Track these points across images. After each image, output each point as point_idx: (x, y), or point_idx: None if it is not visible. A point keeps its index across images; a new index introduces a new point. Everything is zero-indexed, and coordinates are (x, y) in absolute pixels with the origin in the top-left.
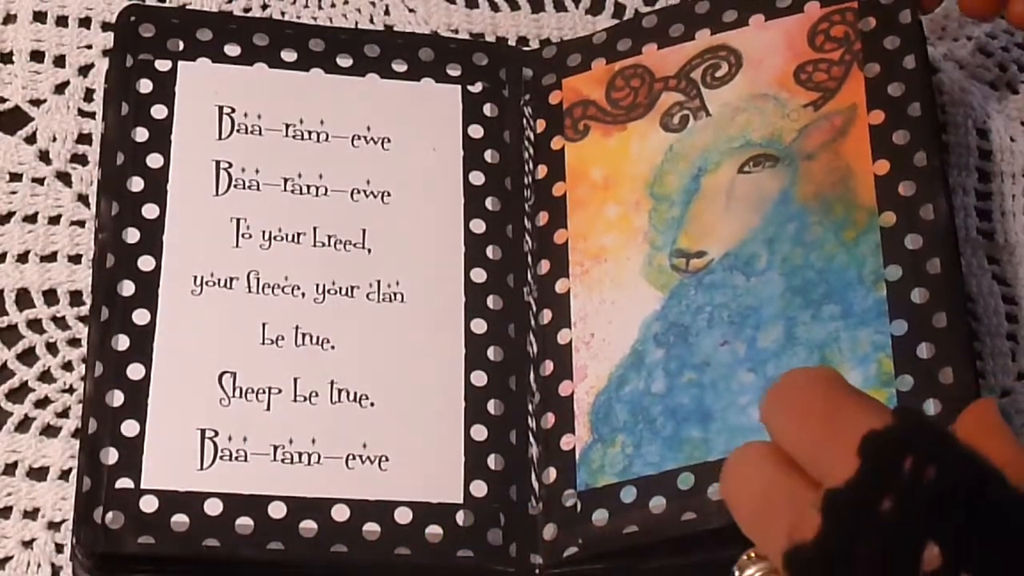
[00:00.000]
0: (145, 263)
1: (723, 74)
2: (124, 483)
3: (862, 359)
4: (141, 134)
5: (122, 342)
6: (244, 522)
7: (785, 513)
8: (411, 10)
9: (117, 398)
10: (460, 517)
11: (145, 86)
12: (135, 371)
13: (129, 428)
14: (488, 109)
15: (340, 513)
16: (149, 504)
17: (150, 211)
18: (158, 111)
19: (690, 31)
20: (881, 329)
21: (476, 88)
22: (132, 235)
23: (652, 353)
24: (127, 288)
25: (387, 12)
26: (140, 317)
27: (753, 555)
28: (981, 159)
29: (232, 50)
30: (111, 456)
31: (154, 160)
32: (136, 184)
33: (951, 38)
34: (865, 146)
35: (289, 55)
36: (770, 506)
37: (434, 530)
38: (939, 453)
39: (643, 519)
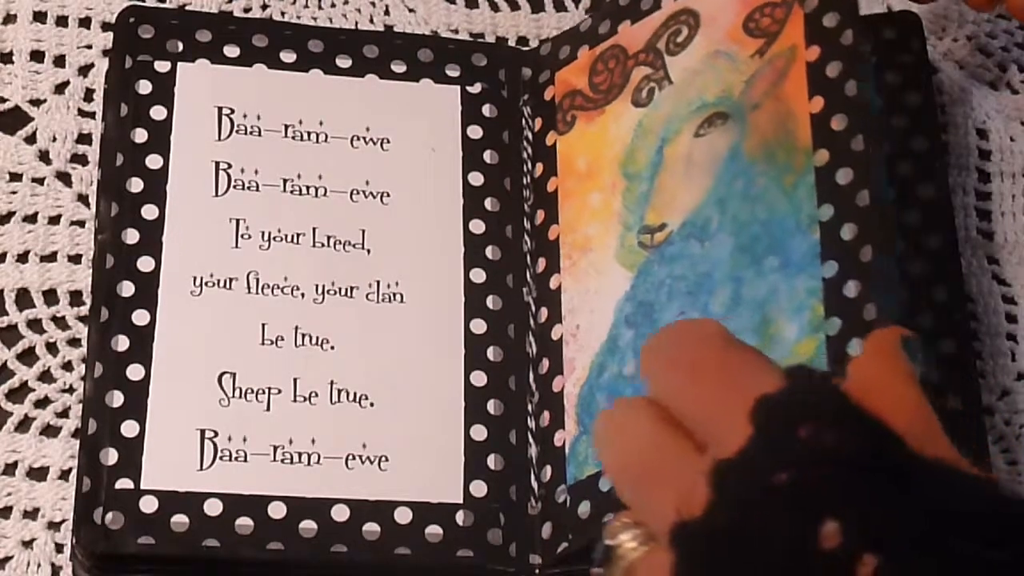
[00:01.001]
0: (145, 264)
1: (683, 39)
2: (124, 483)
3: (798, 308)
4: (140, 135)
5: (122, 343)
6: (244, 522)
7: (671, 482)
8: (411, 10)
9: (117, 398)
10: (460, 517)
11: (144, 87)
12: (135, 372)
13: (129, 428)
14: (487, 110)
15: (340, 513)
16: (149, 504)
17: (150, 212)
18: (157, 112)
19: (658, 1)
20: (815, 274)
21: (475, 89)
22: (132, 236)
23: (624, 335)
24: (127, 289)
25: (387, 12)
26: (140, 318)
27: (626, 520)
28: (981, 159)
29: (231, 51)
30: (111, 456)
31: (153, 161)
32: (136, 185)
33: (951, 38)
34: (803, 85)
35: (288, 56)
36: (653, 471)
37: (434, 530)
38: (837, 419)
39: (620, 506)
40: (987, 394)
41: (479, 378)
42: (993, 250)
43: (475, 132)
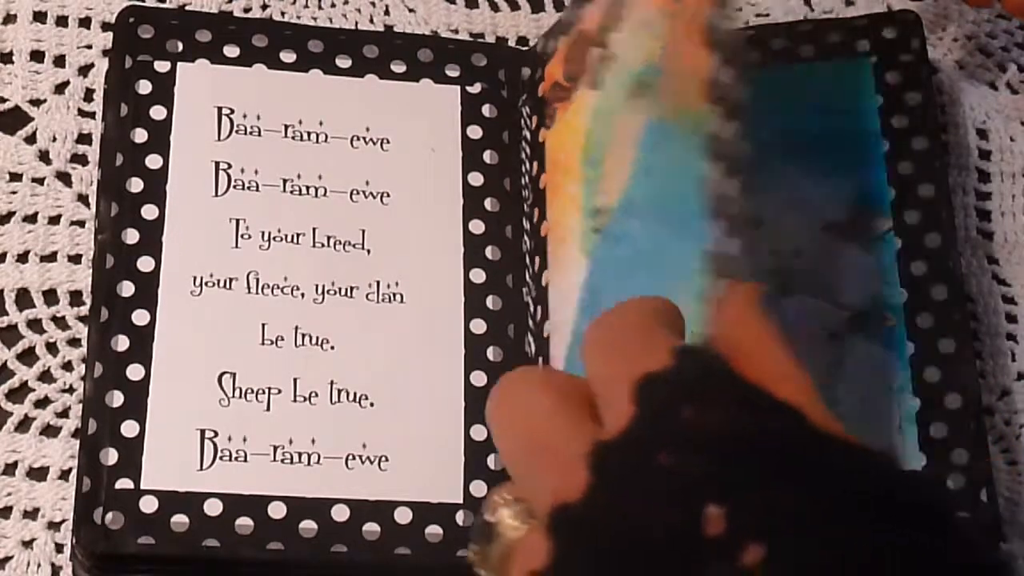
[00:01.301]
0: (145, 264)
1: (623, 12)
2: (124, 483)
3: (694, 274)
4: (140, 135)
5: (122, 343)
6: (244, 522)
7: (556, 460)
8: (411, 10)
9: (117, 398)
10: (460, 517)
11: (144, 87)
12: (135, 371)
13: (129, 428)
14: (487, 110)
15: (340, 513)
16: (149, 504)
17: (149, 212)
18: (157, 112)
19: None
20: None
21: (475, 89)
22: (131, 236)
23: (582, 325)
24: (127, 289)
25: (387, 12)
26: (140, 318)
27: (508, 496)
28: (981, 159)
29: (231, 51)
30: (111, 456)
31: (153, 161)
32: (135, 185)
33: (951, 38)
34: (702, 43)
35: (288, 56)
36: (540, 448)
37: (434, 530)
38: (723, 399)
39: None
40: (987, 394)
41: (479, 378)
42: (993, 250)
43: (475, 132)
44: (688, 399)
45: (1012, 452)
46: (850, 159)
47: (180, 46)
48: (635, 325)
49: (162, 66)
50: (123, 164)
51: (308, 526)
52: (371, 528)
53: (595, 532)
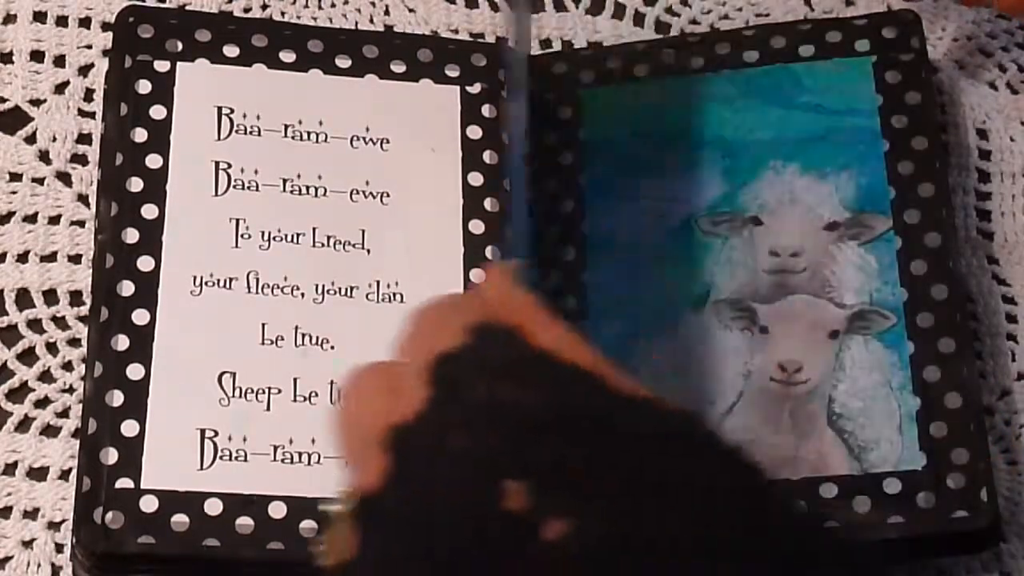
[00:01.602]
0: (144, 263)
1: None
2: (124, 483)
3: None
4: (140, 135)
5: (122, 342)
6: (244, 522)
7: (355, 450)
8: (411, 10)
9: (117, 398)
10: None
11: (144, 87)
12: (135, 371)
13: (129, 428)
14: (487, 110)
15: None
16: (149, 504)
17: (149, 211)
18: (157, 112)
19: None
20: None
21: (475, 89)
22: (131, 235)
23: None
24: (127, 288)
25: (387, 12)
26: (140, 317)
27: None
28: (981, 159)
29: (231, 51)
30: (111, 456)
31: (153, 160)
32: (135, 184)
33: (951, 38)
34: None
35: (288, 56)
36: (345, 440)
37: None
38: (519, 371)
39: None
40: (987, 394)
41: None
42: (993, 250)
43: (475, 132)
44: (483, 374)
45: (1012, 452)
46: (850, 158)
47: (180, 46)
48: (432, 313)
49: (162, 66)
50: (123, 163)
51: (308, 526)
52: None
53: (395, 519)
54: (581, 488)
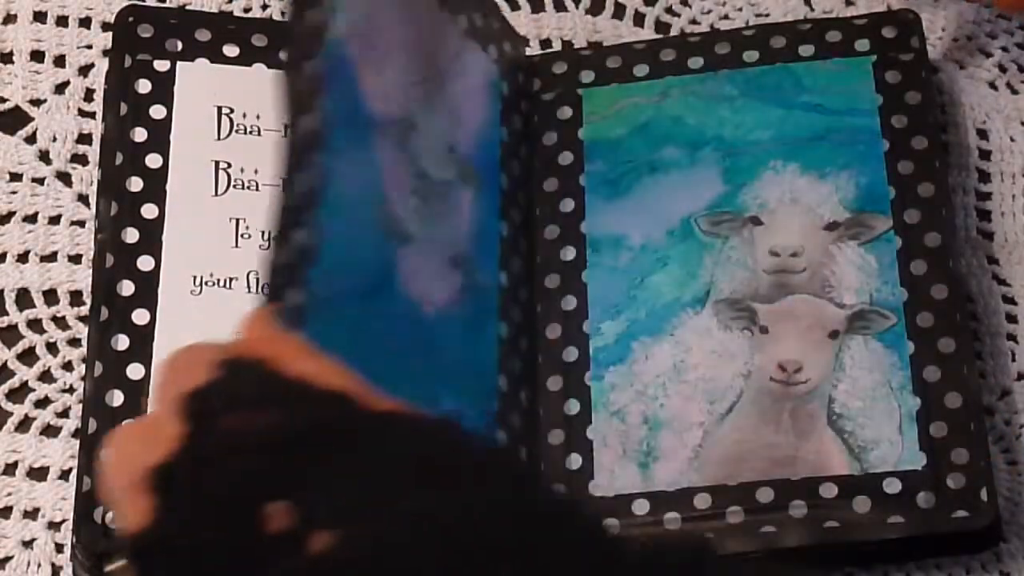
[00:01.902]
0: (144, 263)
1: None
2: None
3: None
4: (140, 134)
5: (122, 342)
6: None
7: (121, 494)
8: None
9: (117, 398)
10: None
11: (144, 86)
12: (135, 371)
13: None
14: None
15: None
16: None
17: (149, 211)
18: (157, 111)
19: None
20: None
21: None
22: (131, 235)
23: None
24: (127, 288)
25: None
26: (140, 317)
27: None
28: (981, 159)
29: (231, 51)
30: None
31: (153, 160)
32: (135, 184)
33: (951, 38)
34: None
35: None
36: (117, 489)
37: None
38: (269, 399)
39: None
40: (987, 394)
41: None
42: (993, 250)
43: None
44: (233, 404)
45: (1012, 452)
46: (850, 158)
47: (180, 45)
48: (181, 357)
49: (162, 65)
50: (123, 163)
51: None
52: None
53: (166, 557)
54: (343, 498)
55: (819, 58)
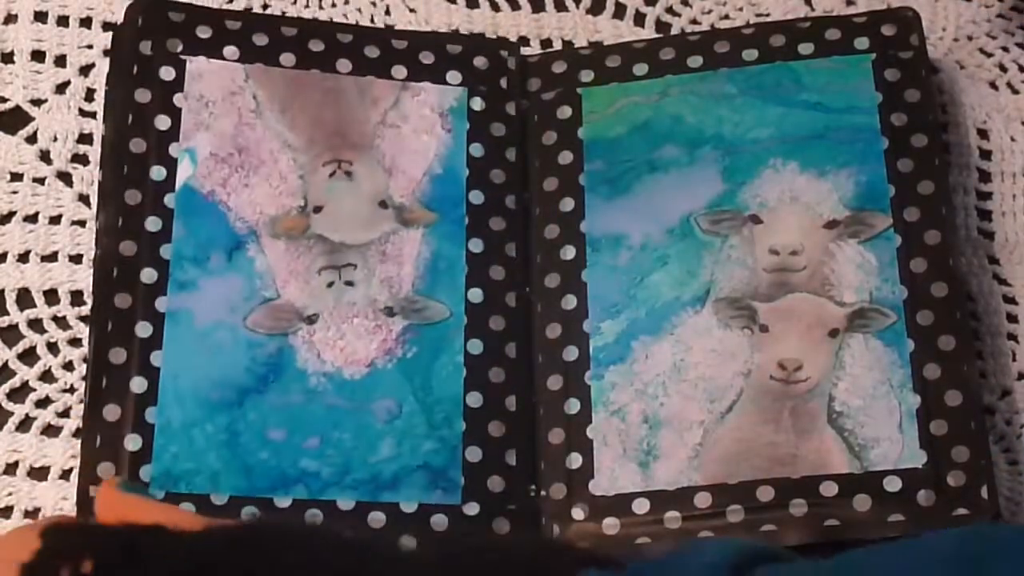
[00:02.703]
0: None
1: None
2: None
3: None
4: (163, 122)
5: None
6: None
7: None
8: (411, 10)
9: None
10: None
11: (167, 73)
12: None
13: None
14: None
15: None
16: None
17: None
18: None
19: None
20: None
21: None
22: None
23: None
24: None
25: (387, 12)
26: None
27: None
28: (981, 159)
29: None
30: None
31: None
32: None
33: (951, 38)
34: None
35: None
36: None
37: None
38: (99, 553)
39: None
40: (987, 394)
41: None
42: (993, 250)
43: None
44: (67, 561)
45: (1013, 452)
46: (850, 156)
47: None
48: (8, 537)
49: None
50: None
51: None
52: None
53: None
54: None
55: (819, 56)
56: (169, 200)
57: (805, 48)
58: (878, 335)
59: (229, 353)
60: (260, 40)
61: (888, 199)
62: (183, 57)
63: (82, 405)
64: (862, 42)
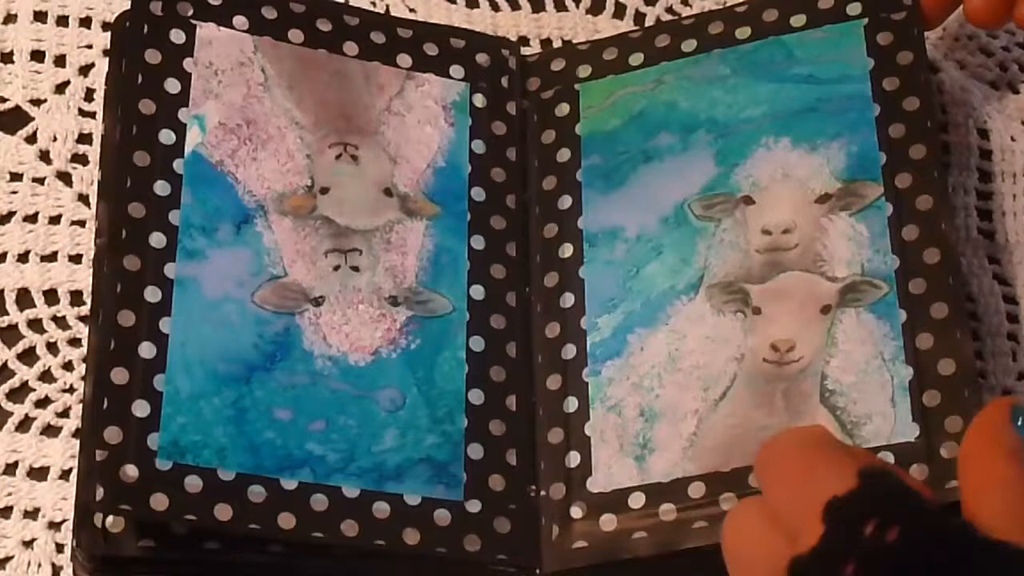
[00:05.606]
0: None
1: None
2: None
3: None
4: (173, 85)
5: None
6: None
7: (763, 573)
8: (411, 10)
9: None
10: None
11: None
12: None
13: None
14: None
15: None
16: None
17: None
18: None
19: None
20: None
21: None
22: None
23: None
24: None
25: (387, 12)
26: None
27: None
28: (981, 159)
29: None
30: None
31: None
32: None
33: (951, 38)
34: None
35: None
36: (750, 563)
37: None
38: (901, 515)
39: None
40: (988, 394)
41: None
42: (994, 250)
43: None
44: (871, 516)
45: None
46: (841, 127)
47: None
48: (814, 452)
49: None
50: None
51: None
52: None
53: None
54: None
55: (811, 27)
56: (178, 166)
57: (797, 20)
58: (870, 308)
59: (237, 327)
60: (269, 13)
61: (879, 167)
62: (193, 21)
63: (81, 405)
64: (854, 7)
